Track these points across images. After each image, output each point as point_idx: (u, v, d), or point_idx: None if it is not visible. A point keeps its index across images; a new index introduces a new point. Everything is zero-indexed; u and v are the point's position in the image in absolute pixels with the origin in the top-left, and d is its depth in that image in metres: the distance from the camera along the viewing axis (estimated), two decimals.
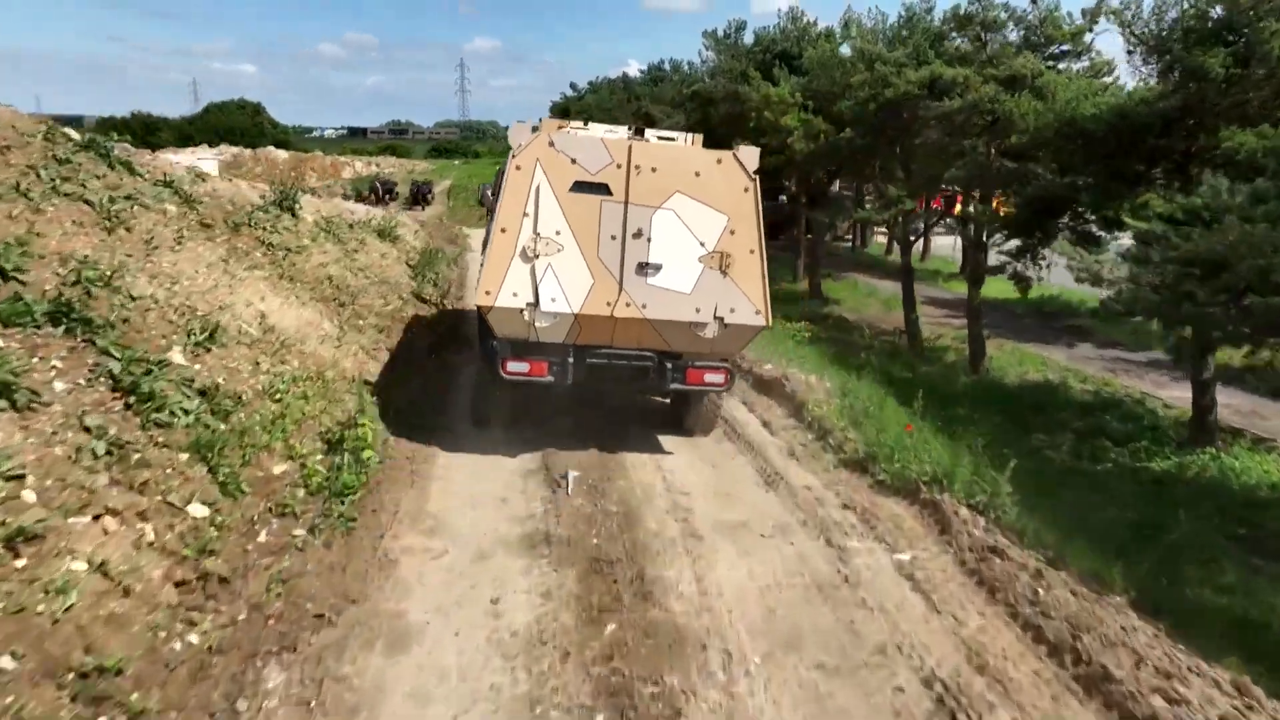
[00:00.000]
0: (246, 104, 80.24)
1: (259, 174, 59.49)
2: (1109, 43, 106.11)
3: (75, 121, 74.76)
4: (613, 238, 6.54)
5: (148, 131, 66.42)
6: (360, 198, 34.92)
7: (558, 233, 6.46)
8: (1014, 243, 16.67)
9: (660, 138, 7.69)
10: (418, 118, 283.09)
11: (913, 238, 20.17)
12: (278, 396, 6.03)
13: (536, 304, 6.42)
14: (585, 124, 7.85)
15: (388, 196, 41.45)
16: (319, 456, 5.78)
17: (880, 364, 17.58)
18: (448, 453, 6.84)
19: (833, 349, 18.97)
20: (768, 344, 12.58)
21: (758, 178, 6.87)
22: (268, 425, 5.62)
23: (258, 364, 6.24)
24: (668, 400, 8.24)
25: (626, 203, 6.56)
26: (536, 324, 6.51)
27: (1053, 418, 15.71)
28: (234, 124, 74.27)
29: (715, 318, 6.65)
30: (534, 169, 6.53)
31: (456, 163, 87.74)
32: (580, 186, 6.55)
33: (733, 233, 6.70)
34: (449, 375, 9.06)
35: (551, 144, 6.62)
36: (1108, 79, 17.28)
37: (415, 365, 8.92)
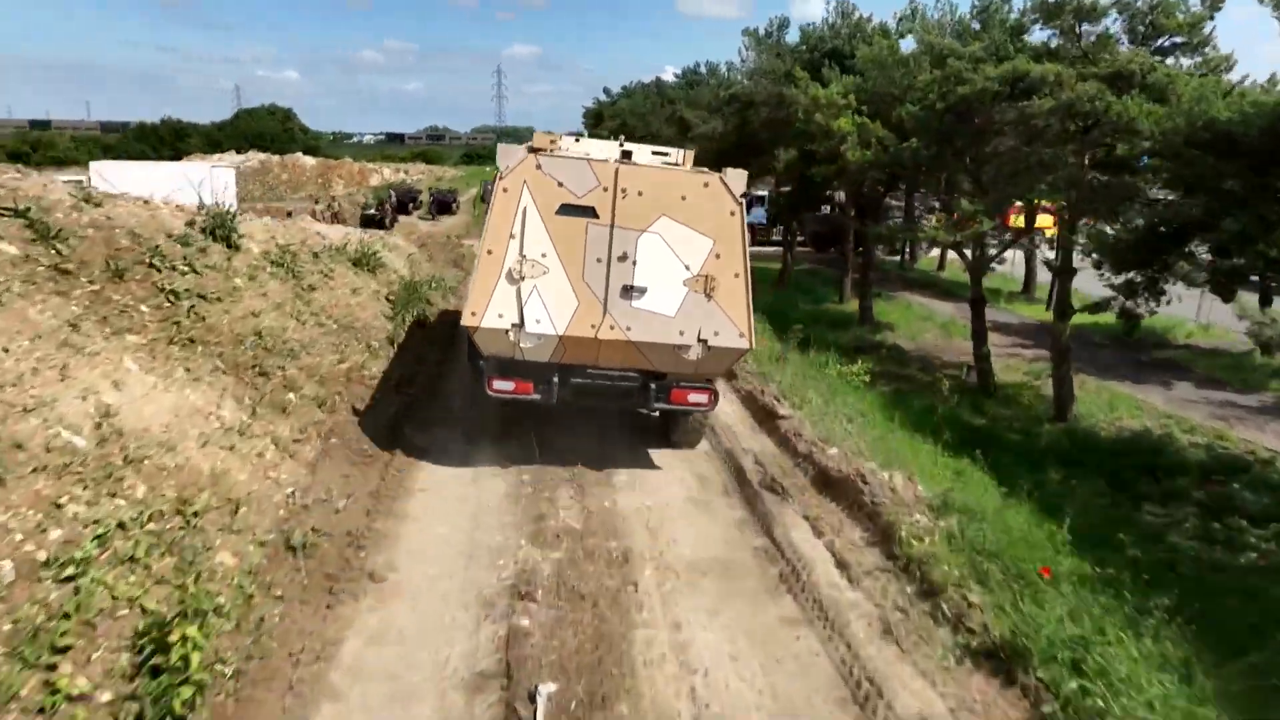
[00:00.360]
0: (277, 110, 79.35)
1: (285, 181, 58.58)
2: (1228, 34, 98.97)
3: (120, 127, 74.68)
4: (598, 260, 6.51)
5: (177, 138, 66.30)
6: (365, 218, 33.20)
7: (544, 255, 6.45)
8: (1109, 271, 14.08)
9: (654, 153, 7.73)
10: (455, 124, 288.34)
11: (990, 262, 17.50)
12: (73, 570, 3.71)
13: (521, 325, 6.44)
14: (578, 139, 7.87)
15: (409, 207, 39.32)
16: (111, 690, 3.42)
17: (950, 407, 15.12)
18: (357, 649, 4.40)
19: (891, 386, 16.66)
20: (822, 389, 10.93)
21: (744, 201, 6.79)
22: (28, 639, 3.32)
23: (60, 506, 3.97)
24: (655, 414, 8.27)
25: (612, 226, 6.54)
26: (522, 344, 6.54)
27: (1166, 485, 13.08)
28: (264, 130, 73.24)
29: (699, 340, 6.68)
30: (521, 191, 6.47)
31: (488, 169, 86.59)
32: (567, 209, 6.51)
33: (718, 256, 6.67)
34: (406, 478, 6.66)
35: (539, 167, 6.55)
36: (1230, 76, 14.63)
37: (359, 460, 6.66)
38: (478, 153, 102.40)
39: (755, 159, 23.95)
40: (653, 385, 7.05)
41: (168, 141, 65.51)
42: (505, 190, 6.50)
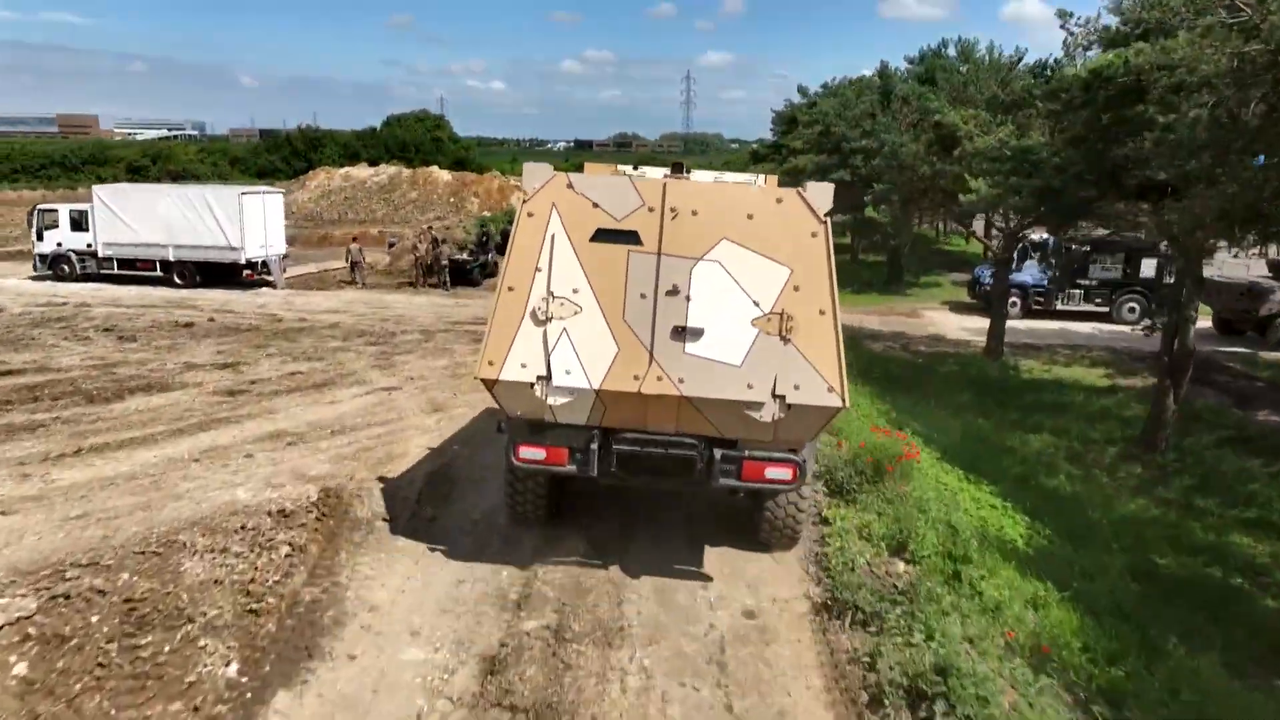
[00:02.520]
0: (426, 116, 80.00)
1: (413, 200, 59.64)
2: None
3: (333, 135, 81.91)
4: (642, 296, 6.21)
5: (311, 148, 69.84)
6: (456, 268, 29.91)
7: (575, 291, 6.19)
8: None
9: (720, 179, 7.63)
10: (644, 131, 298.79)
11: None
12: None
13: (549, 377, 6.13)
14: (636, 168, 7.71)
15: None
16: None
17: None
18: None
19: None
20: None
21: (828, 220, 6.33)
22: None
23: None
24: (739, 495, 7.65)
25: (660, 253, 6.24)
26: (551, 401, 6.19)
27: None
28: (410, 138, 74.63)
29: (774, 396, 6.16)
30: (549, 215, 6.25)
31: None
32: (603, 235, 6.23)
33: (796, 289, 6.22)
34: None
35: (570, 185, 6.33)
36: None
37: None
38: (650, 162, 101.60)
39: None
40: (718, 455, 6.42)
41: (301, 152, 69.48)
42: (530, 215, 6.22)
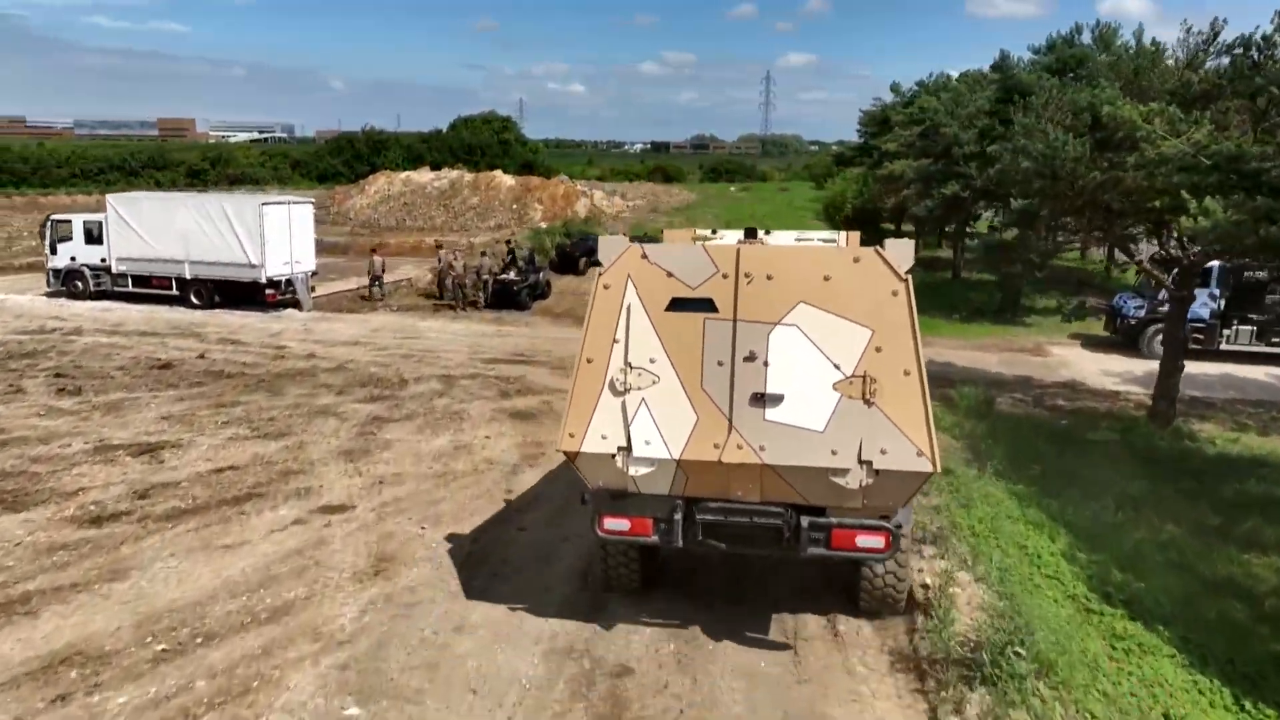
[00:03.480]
0: (494, 118, 76.75)
1: (474, 206, 56.57)
2: None
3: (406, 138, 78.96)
4: (719, 363, 6.14)
5: (374, 151, 67.45)
6: (499, 291, 26.43)
7: (652, 360, 6.19)
8: None
9: (800, 240, 7.84)
10: (721, 132, 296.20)
11: None
12: None
13: (629, 448, 6.08)
14: (714, 232, 7.88)
15: (580, 262, 30.43)
16: None
17: None
18: None
19: None
20: None
21: (909, 278, 6.08)
22: None
23: None
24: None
25: (735, 320, 6.15)
26: (633, 472, 6.13)
27: None
28: (477, 141, 71.68)
29: (860, 462, 5.94)
30: (624, 286, 6.27)
31: (732, 189, 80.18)
32: (679, 304, 6.19)
33: (879, 350, 6.04)
34: None
35: (644, 256, 6.38)
36: None
37: None
38: (726, 167, 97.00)
39: None
40: (805, 524, 6.19)
41: (365, 156, 67.01)
42: (606, 287, 6.28)
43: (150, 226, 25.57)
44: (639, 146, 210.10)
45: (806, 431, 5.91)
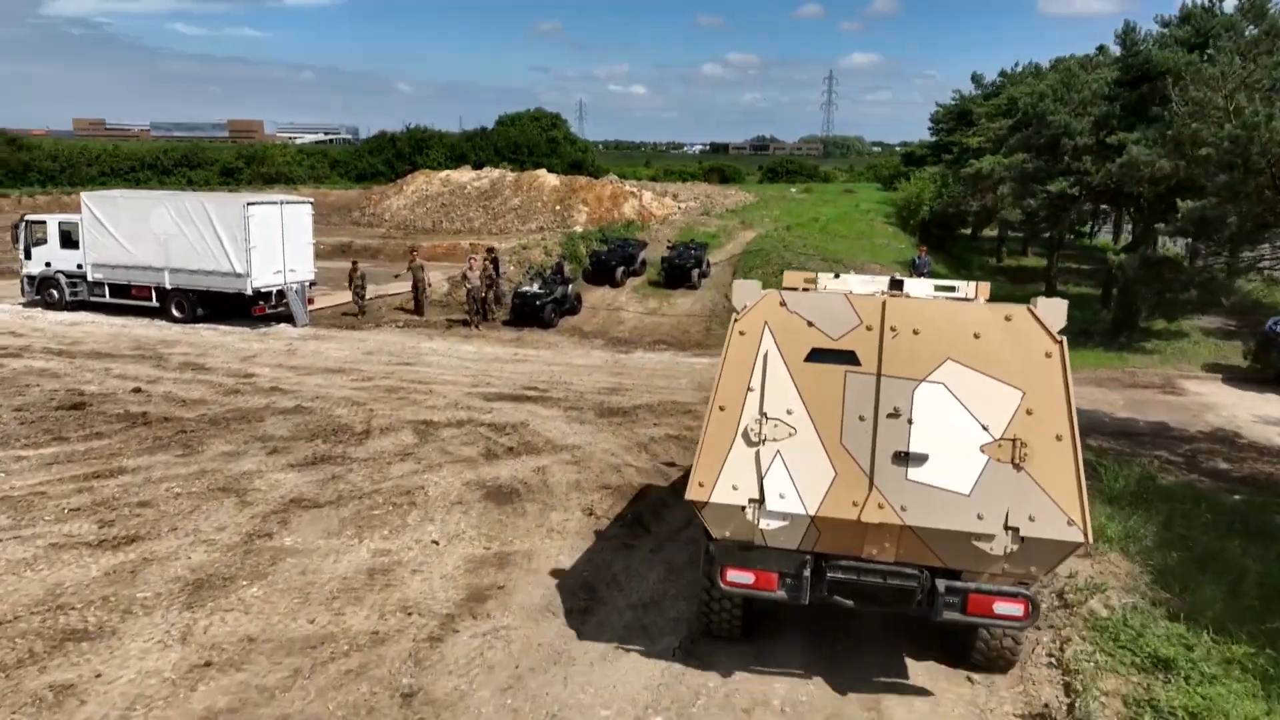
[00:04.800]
0: (542, 115, 72.94)
1: (515, 207, 53.04)
2: None
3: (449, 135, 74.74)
4: (861, 419, 5.85)
5: (416, 149, 64.26)
6: (519, 305, 22.94)
7: (789, 412, 5.92)
8: None
9: (939, 288, 7.43)
10: (782, 133, 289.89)
11: None
12: None
13: (762, 501, 5.85)
14: (836, 276, 7.60)
15: (618, 272, 26.58)
16: None
17: None
18: None
19: None
20: None
21: (1064, 340, 5.80)
22: None
23: None
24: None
25: (879, 374, 5.87)
26: (762, 526, 5.89)
27: None
28: (525, 139, 67.92)
29: (1007, 528, 5.60)
30: (761, 334, 6.06)
31: (793, 190, 75.10)
32: (819, 355, 5.96)
33: (1030, 412, 5.71)
34: None
35: (783, 304, 6.13)
36: None
37: None
38: (786, 167, 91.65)
39: None
40: (941, 587, 5.80)
41: (406, 155, 63.92)
42: (742, 333, 6.05)
43: (128, 229, 22.28)
44: (698, 148, 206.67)
45: (951, 494, 5.63)
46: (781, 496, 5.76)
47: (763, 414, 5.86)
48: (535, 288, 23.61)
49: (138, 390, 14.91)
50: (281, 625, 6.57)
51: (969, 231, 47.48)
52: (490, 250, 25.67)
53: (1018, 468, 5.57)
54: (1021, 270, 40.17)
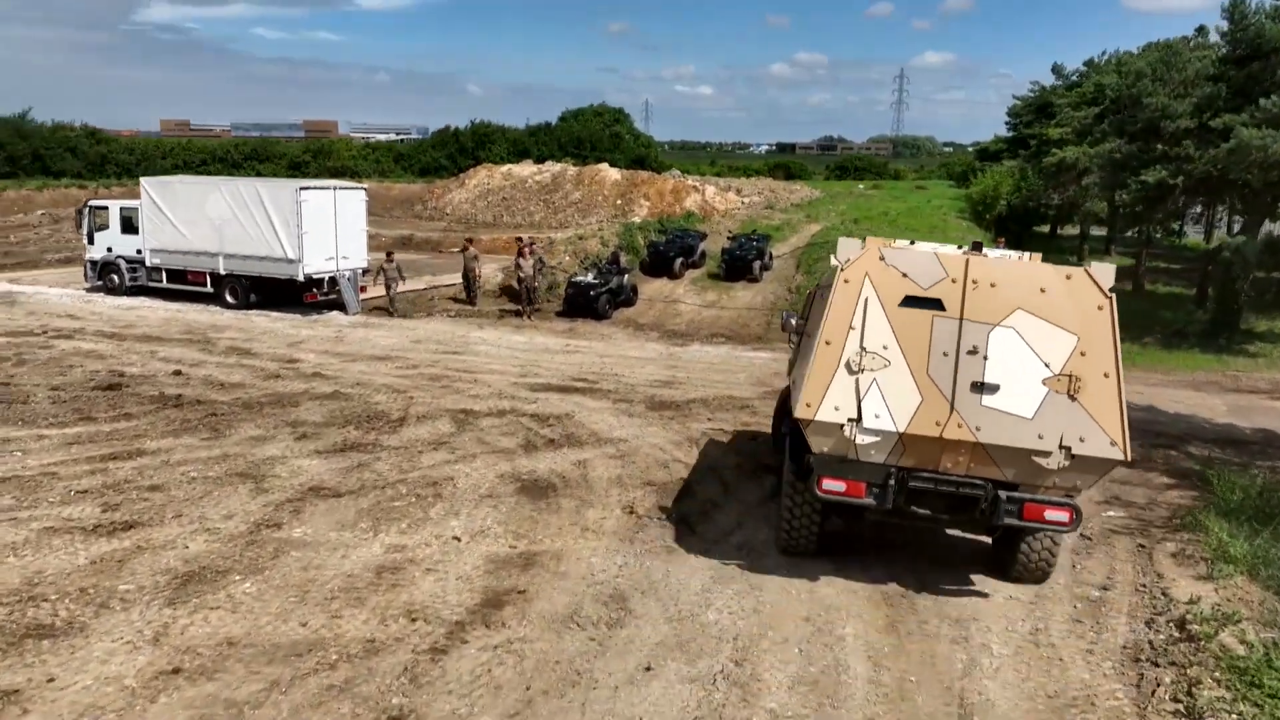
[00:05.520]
0: (605, 110, 71.86)
1: (575, 201, 52.39)
2: None
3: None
4: (945, 355, 6.71)
5: (479, 144, 64.15)
6: (572, 296, 22.38)
7: (885, 347, 6.76)
8: None
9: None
10: (850, 134, 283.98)
11: None
12: None
13: (859, 420, 6.68)
14: (912, 243, 8.37)
15: (676, 264, 25.74)
16: None
17: None
18: None
19: None
20: None
21: (1113, 296, 6.77)
22: None
23: None
24: (987, 539, 8.05)
25: (961, 319, 6.75)
26: (857, 441, 6.73)
27: None
28: (587, 134, 67.12)
29: (1061, 447, 6.56)
30: (863, 282, 6.87)
31: (860, 186, 72.86)
32: (911, 301, 6.79)
33: (1083, 354, 6.66)
34: None
35: (882, 258, 6.96)
36: None
37: None
38: (855, 164, 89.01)
39: None
40: (1003, 496, 6.76)
41: (469, 149, 63.57)
42: (846, 281, 6.86)
43: (184, 214, 22.15)
44: (764, 148, 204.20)
45: (1017, 417, 6.56)
46: (876, 416, 6.67)
47: (862, 348, 6.77)
48: (590, 278, 22.79)
49: (177, 373, 14.52)
50: (269, 628, 5.79)
51: (1047, 229, 45.23)
52: (520, 240, 25.02)
53: (1072, 398, 6.56)
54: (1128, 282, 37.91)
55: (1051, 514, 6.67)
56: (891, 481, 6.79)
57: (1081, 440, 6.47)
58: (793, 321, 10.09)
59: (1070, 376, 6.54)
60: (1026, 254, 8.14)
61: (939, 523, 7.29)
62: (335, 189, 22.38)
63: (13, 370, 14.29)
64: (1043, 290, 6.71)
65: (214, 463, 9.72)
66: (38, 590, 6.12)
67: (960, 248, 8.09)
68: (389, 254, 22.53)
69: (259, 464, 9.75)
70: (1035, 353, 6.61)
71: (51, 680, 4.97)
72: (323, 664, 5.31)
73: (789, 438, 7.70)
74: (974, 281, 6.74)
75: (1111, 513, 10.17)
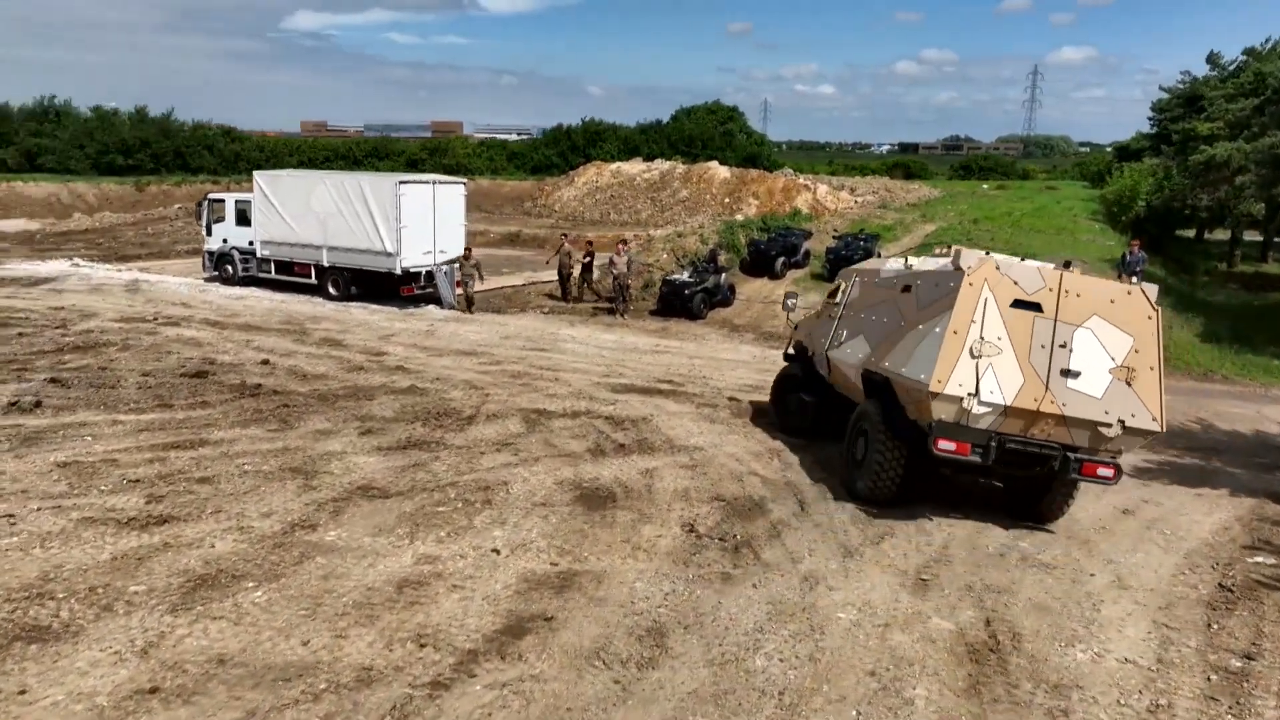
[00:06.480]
0: (719, 108, 70.37)
1: (683, 200, 51.61)
2: None
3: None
4: (1042, 347, 8.42)
5: (590, 142, 64.10)
6: (666, 296, 21.77)
7: (999, 339, 8.40)
8: None
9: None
10: (977, 133, 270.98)
11: None
12: None
13: (977, 394, 8.29)
14: (987, 254, 9.48)
15: (777, 263, 24.87)
16: None
17: None
18: None
19: None
20: None
21: (1159, 309, 8.70)
22: None
23: None
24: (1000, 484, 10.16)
25: (1055, 320, 8.49)
26: (973, 410, 8.35)
27: None
28: (699, 132, 65.91)
29: (1119, 421, 8.33)
30: (983, 286, 8.48)
31: (984, 186, 69.17)
32: (1018, 304, 8.49)
33: (1137, 352, 8.46)
34: None
35: (998, 268, 8.60)
36: None
37: None
38: (981, 164, 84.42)
39: None
40: (1071, 456, 8.47)
41: (580, 147, 63.39)
42: (970, 285, 8.47)
43: (292, 207, 22.67)
44: (885, 148, 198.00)
45: (1091, 397, 8.35)
46: (990, 392, 8.28)
47: (981, 338, 8.36)
48: (685, 276, 22.05)
49: (265, 362, 14.62)
50: (267, 645, 5.32)
51: (1192, 233, 41.49)
52: (590, 242, 24.54)
53: (1128, 384, 8.36)
54: (1259, 277, 34.24)
55: (1102, 471, 8.49)
56: (992, 443, 8.38)
57: (1133, 416, 8.31)
58: (790, 302, 13.61)
59: (1128, 368, 8.40)
60: (1076, 265, 9.40)
61: (1010, 475, 9.25)
62: (434, 183, 22.44)
63: (115, 355, 14.72)
64: (1112, 301, 8.53)
65: (272, 456, 9.51)
66: (49, 587, 5.88)
67: (1053, 265, 9.47)
68: (467, 251, 22.21)
69: (315, 459, 9.48)
70: (1105, 349, 8.44)
71: (22, 693, 4.63)
72: (308, 693, 4.78)
73: (882, 402, 9.44)
74: (1066, 291, 8.51)
75: (1260, 558, 8.69)
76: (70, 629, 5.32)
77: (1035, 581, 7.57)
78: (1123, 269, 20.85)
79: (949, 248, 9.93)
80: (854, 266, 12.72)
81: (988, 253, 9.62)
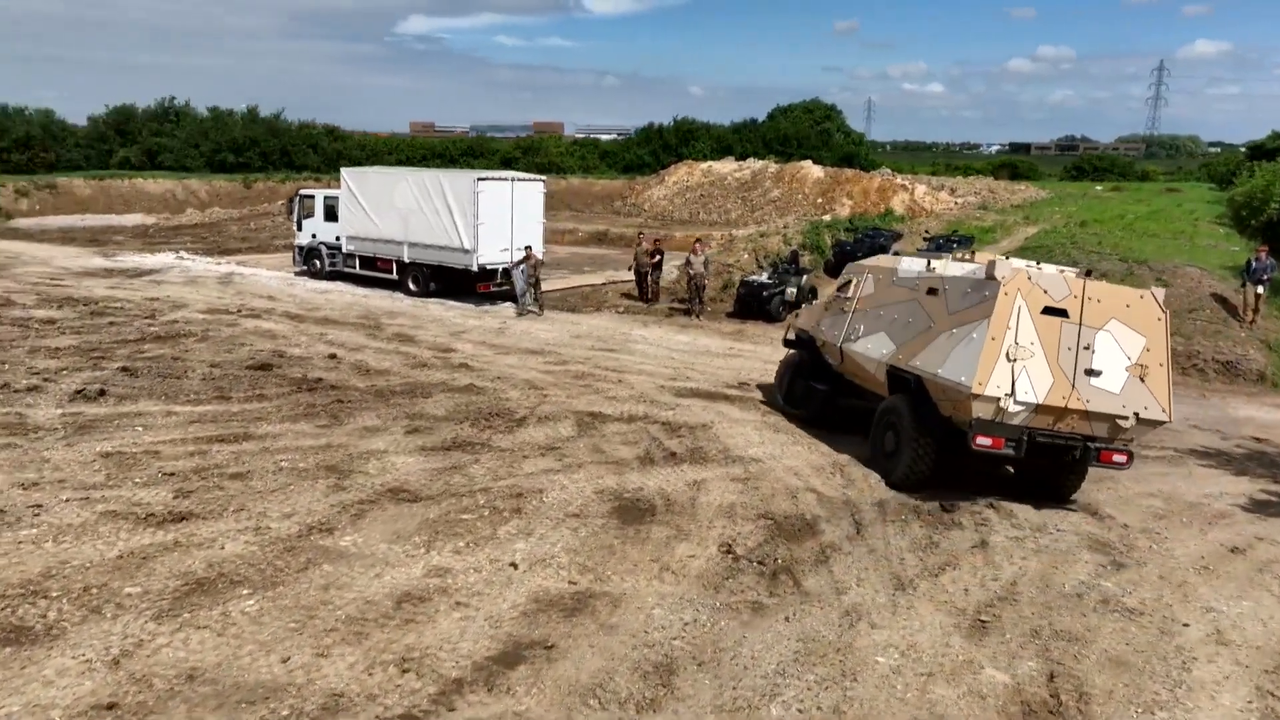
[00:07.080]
0: (816, 106, 68.84)
1: (774, 199, 50.44)
2: None
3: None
4: (1068, 349, 9.22)
5: (682, 141, 63.07)
6: (745, 298, 21.38)
7: (1031, 343, 9.14)
8: None
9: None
10: (1095, 133, 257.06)
11: None
12: None
13: (1013, 394, 9.00)
14: (1038, 265, 10.50)
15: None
16: None
17: None
18: None
19: None
20: None
21: (1168, 311, 9.62)
22: None
23: None
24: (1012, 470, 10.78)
25: (1080, 324, 9.28)
26: (1008, 409, 9.06)
27: None
28: (794, 131, 64.26)
29: (1134, 414, 9.19)
30: (1017, 295, 9.21)
31: (1098, 187, 65.23)
32: (1048, 310, 9.25)
33: (1148, 350, 9.37)
34: None
35: (1030, 278, 9.34)
36: None
37: None
38: (1096, 165, 79.56)
39: None
40: (1091, 446, 9.33)
41: (672, 146, 62.30)
42: (1006, 294, 9.17)
43: (376, 203, 22.96)
44: (995, 148, 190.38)
45: (1110, 393, 9.18)
46: (1025, 392, 8.94)
47: (1016, 343, 9.04)
48: (764, 277, 21.28)
49: (332, 356, 14.70)
50: (245, 659, 5.02)
51: None
52: (657, 240, 23.87)
53: (1141, 380, 9.28)
54: None
55: (1118, 458, 9.43)
56: (1024, 437, 9.15)
57: (1145, 409, 9.19)
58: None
59: (1141, 365, 9.25)
60: (1086, 273, 10.28)
61: (1035, 463, 9.74)
62: (513, 180, 22.33)
63: (192, 345, 15.06)
64: (1128, 306, 9.40)
65: (312, 453, 9.37)
66: (48, 584, 5.76)
67: (1075, 271, 10.55)
68: (527, 251, 21.69)
69: (354, 458, 9.29)
70: (1122, 349, 9.27)
71: None
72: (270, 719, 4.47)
73: (911, 398, 10.15)
74: (1089, 298, 9.31)
75: None
76: (52, 632, 5.16)
77: (1115, 630, 6.61)
78: (1247, 276, 18.94)
79: (971, 254, 10.92)
80: (863, 262, 13.37)
81: (1038, 263, 10.70)
